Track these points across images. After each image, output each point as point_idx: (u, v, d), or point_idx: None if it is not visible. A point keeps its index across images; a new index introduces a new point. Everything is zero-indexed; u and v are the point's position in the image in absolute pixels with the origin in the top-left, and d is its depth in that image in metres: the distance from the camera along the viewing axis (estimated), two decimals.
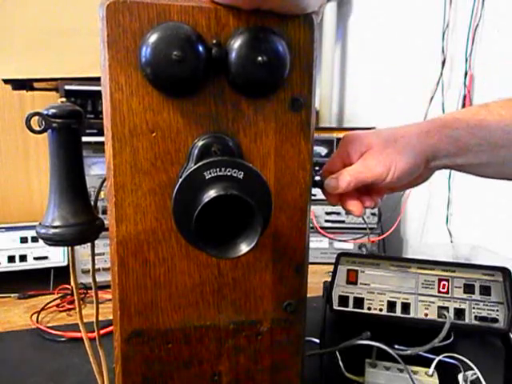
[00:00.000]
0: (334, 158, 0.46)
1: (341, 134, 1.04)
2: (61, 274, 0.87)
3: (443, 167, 0.45)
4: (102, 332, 0.60)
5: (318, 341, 0.63)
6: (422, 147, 0.43)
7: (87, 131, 0.82)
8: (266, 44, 0.33)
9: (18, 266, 0.87)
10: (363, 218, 1.05)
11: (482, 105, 0.46)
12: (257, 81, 0.34)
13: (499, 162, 0.44)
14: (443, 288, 0.64)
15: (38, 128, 0.37)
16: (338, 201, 0.45)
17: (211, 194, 0.29)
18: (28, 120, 0.36)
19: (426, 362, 0.57)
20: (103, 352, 0.45)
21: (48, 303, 0.80)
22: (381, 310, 0.65)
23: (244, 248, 0.30)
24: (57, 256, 0.89)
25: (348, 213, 0.46)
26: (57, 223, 0.37)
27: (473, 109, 0.49)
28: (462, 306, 0.63)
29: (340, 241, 1.06)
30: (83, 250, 0.84)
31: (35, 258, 0.88)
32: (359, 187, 0.44)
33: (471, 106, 0.89)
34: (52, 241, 0.37)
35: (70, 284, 0.85)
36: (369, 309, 0.65)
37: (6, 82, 0.84)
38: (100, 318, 0.44)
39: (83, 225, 0.38)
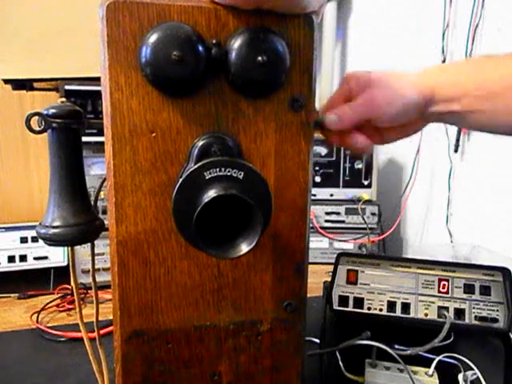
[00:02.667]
0: (335, 95, 0.45)
1: None
2: (61, 274, 0.87)
3: (438, 116, 0.45)
4: (102, 332, 0.60)
5: (318, 341, 0.63)
6: (423, 87, 0.43)
7: (87, 131, 0.82)
8: (266, 44, 0.33)
9: (18, 265, 0.87)
10: (363, 218, 1.05)
11: (486, 55, 0.46)
12: (257, 81, 0.34)
13: (493, 110, 0.44)
14: (443, 288, 0.64)
15: (37, 128, 0.37)
16: (338, 140, 0.43)
17: (211, 194, 0.29)
18: (28, 120, 0.36)
19: (426, 362, 0.57)
20: (103, 352, 0.45)
21: (48, 303, 0.80)
22: (381, 309, 0.65)
23: (244, 248, 0.30)
24: (57, 256, 0.89)
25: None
26: (57, 223, 0.37)
27: (475, 57, 0.49)
28: (462, 306, 0.63)
29: (340, 241, 1.06)
30: (83, 250, 0.84)
31: (35, 258, 0.88)
32: (360, 125, 0.43)
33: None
34: (52, 241, 0.37)
35: (70, 284, 0.85)
36: (369, 309, 0.65)
37: (6, 81, 0.84)
38: (100, 318, 0.44)
39: (83, 225, 0.38)
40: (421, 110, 0.44)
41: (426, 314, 0.63)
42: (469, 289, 0.63)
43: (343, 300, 0.66)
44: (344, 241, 1.06)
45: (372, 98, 0.42)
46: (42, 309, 0.78)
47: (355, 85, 0.44)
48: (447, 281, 0.64)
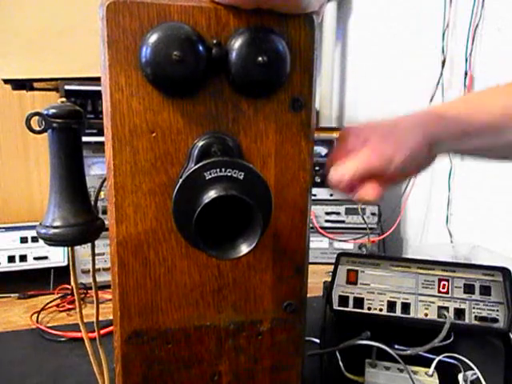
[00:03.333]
0: (336, 153, 0.45)
1: None
2: (61, 274, 0.87)
3: (447, 152, 0.45)
4: (102, 332, 0.60)
5: (318, 341, 0.63)
6: (425, 131, 0.42)
7: (87, 131, 0.82)
8: (267, 44, 0.33)
9: (18, 266, 0.87)
10: (363, 218, 1.05)
11: (484, 89, 0.46)
12: (257, 81, 0.34)
13: (502, 145, 0.44)
14: (443, 288, 0.64)
15: (37, 128, 0.37)
16: (348, 191, 0.43)
17: (211, 194, 0.29)
18: (28, 120, 0.36)
19: (426, 362, 0.57)
20: (103, 352, 0.45)
21: (48, 303, 0.80)
22: (381, 309, 0.65)
23: (244, 248, 0.30)
24: (57, 256, 0.89)
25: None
26: (57, 223, 0.37)
27: (474, 93, 0.49)
28: (462, 306, 0.63)
29: (340, 241, 1.06)
30: (83, 250, 0.84)
31: (35, 258, 0.88)
32: (365, 178, 0.42)
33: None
34: (52, 241, 0.37)
35: (70, 284, 0.85)
36: (369, 309, 0.65)
37: (6, 81, 0.84)
38: (100, 318, 0.44)
39: (83, 225, 0.38)
40: (426, 153, 0.43)
41: (426, 314, 0.63)
42: (469, 289, 0.63)
43: (343, 300, 0.66)
44: (344, 241, 1.06)
45: (377, 149, 0.42)
46: (42, 309, 0.78)
47: (355, 139, 0.44)
48: (447, 281, 0.64)
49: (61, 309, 0.79)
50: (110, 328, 0.57)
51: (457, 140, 0.43)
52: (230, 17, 0.34)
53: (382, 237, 1.06)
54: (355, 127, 0.45)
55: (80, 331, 0.43)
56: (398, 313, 0.64)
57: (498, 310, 0.62)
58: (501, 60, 0.87)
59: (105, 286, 0.76)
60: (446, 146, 0.44)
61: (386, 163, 0.41)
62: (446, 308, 0.63)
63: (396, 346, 0.60)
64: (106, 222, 0.38)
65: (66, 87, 0.82)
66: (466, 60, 0.93)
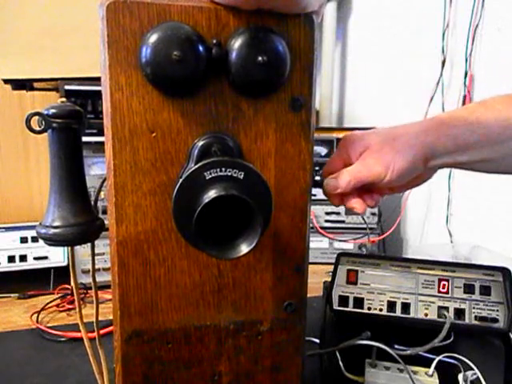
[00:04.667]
0: (334, 158, 0.46)
1: (341, 134, 1.04)
2: (61, 274, 0.87)
3: (444, 166, 0.45)
4: (102, 332, 0.60)
5: (318, 341, 0.63)
6: (421, 146, 0.43)
7: (87, 131, 0.82)
8: (266, 44, 0.33)
9: (18, 265, 0.87)
10: (363, 218, 1.05)
11: (480, 102, 0.46)
12: (257, 81, 0.34)
13: (500, 157, 0.44)
14: (443, 288, 0.64)
15: (37, 128, 0.37)
16: (339, 201, 0.45)
17: (211, 194, 0.29)
18: (28, 120, 0.36)
19: (426, 362, 0.57)
20: (103, 352, 0.44)
21: (48, 303, 0.80)
22: (381, 310, 0.65)
23: (244, 248, 0.30)
24: (57, 256, 0.89)
25: (349, 212, 0.47)
26: (57, 223, 0.37)
27: (470, 106, 0.49)
28: (462, 306, 0.63)
29: (340, 241, 1.06)
30: (83, 250, 0.84)
31: (35, 258, 0.88)
32: (359, 187, 0.44)
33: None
34: (52, 241, 0.37)
35: (70, 284, 0.85)
36: (369, 309, 0.65)
37: (6, 81, 0.84)
38: (100, 318, 0.44)
39: (83, 225, 0.38)
40: (424, 165, 0.44)
41: (426, 314, 0.63)
42: (469, 289, 0.63)
43: (343, 300, 0.66)
44: (344, 241, 1.06)
45: (368, 165, 0.43)
46: (42, 309, 0.78)
47: (352, 149, 0.45)
48: (447, 281, 0.64)
49: (61, 309, 0.79)
50: (110, 328, 0.57)
51: (455, 153, 0.43)
52: (229, 17, 0.34)
53: (381, 237, 1.06)
54: (358, 133, 0.45)
55: (80, 331, 0.43)
56: (398, 313, 0.64)
57: (498, 310, 0.62)
58: (501, 60, 0.87)
59: (105, 286, 0.76)
60: (444, 159, 0.44)
61: (379, 177, 0.42)
62: (446, 308, 0.63)
63: (396, 346, 0.60)
64: (106, 222, 0.38)
65: (66, 87, 0.82)
66: (466, 60, 0.93)
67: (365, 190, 0.45)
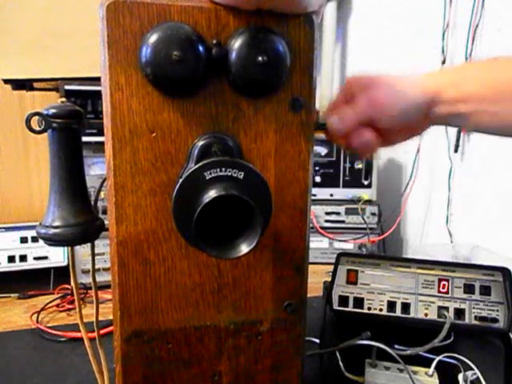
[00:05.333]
0: (337, 97, 0.45)
1: None
2: (61, 274, 0.87)
3: (443, 117, 0.44)
4: (102, 332, 0.60)
5: (318, 341, 0.63)
6: (426, 86, 0.42)
7: (87, 131, 0.82)
8: (266, 44, 0.33)
9: (18, 265, 0.87)
10: (363, 218, 1.05)
11: (488, 57, 0.45)
12: (257, 81, 0.34)
13: (501, 112, 0.43)
14: (443, 288, 0.64)
15: (38, 128, 0.37)
16: (344, 141, 0.43)
17: (211, 194, 0.29)
18: (28, 120, 0.36)
19: (426, 362, 0.57)
20: (103, 352, 0.44)
21: (48, 303, 0.80)
22: (381, 310, 0.65)
23: (244, 248, 0.30)
24: (57, 256, 0.89)
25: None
26: (57, 223, 0.37)
27: (478, 60, 0.48)
28: (462, 306, 0.63)
29: (340, 241, 1.06)
30: (83, 250, 0.84)
31: (35, 258, 0.88)
32: (363, 125, 0.42)
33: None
34: (52, 241, 0.37)
35: (70, 284, 0.85)
36: (369, 309, 0.65)
37: (6, 81, 0.84)
38: (100, 318, 0.44)
39: (83, 225, 0.38)
40: (424, 111, 0.43)
41: (426, 314, 0.64)
42: (469, 289, 0.63)
43: (343, 300, 0.66)
44: (344, 241, 1.06)
45: (373, 98, 0.42)
46: (42, 309, 0.78)
47: (357, 86, 0.43)
48: (447, 281, 0.64)
49: (61, 309, 0.79)
50: (110, 328, 0.57)
51: (459, 102, 0.42)
52: (229, 17, 0.34)
53: (381, 237, 1.06)
54: (359, 76, 0.45)
55: (80, 331, 0.43)
56: (398, 313, 0.64)
57: (498, 310, 0.62)
58: None
59: (105, 286, 0.76)
60: (447, 107, 0.43)
61: (382, 109, 0.41)
62: (446, 308, 0.63)
63: (396, 346, 0.60)
64: (106, 222, 0.38)
65: (66, 87, 0.82)
66: (466, 60, 0.93)
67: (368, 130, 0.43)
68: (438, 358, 0.58)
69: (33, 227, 0.86)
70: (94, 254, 0.43)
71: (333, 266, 0.67)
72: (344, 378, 0.57)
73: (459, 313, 0.63)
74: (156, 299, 0.38)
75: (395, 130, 0.45)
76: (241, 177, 0.30)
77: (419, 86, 0.43)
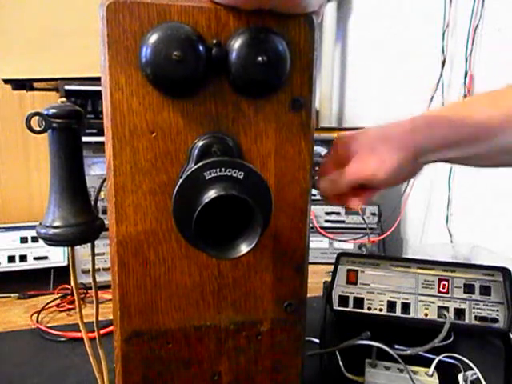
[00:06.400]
0: (327, 161, 0.48)
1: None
2: (61, 274, 0.87)
3: (434, 161, 0.46)
4: (102, 332, 0.60)
5: (318, 341, 0.63)
6: (410, 145, 0.44)
7: (87, 131, 0.82)
8: (266, 44, 0.33)
9: (18, 265, 0.87)
10: (363, 218, 1.05)
11: (464, 101, 0.47)
12: (257, 81, 0.34)
13: (487, 152, 0.44)
14: (443, 288, 0.64)
15: (38, 128, 0.37)
16: (336, 201, 0.47)
17: (211, 194, 0.29)
18: (28, 120, 0.36)
19: (426, 362, 0.57)
20: (103, 352, 0.45)
21: (48, 303, 0.80)
22: (381, 309, 0.65)
23: (244, 248, 0.30)
24: (57, 256, 0.89)
25: (349, 212, 0.49)
26: (57, 223, 0.37)
27: (454, 106, 0.49)
28: (462, 306, 0.63)
29: (340, 241, 1.06)
30: (83, 250, 0.84)
31: (35, 258, 0.88)
32: (354, 186, 0.45)
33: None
34: (52, 241, 0.37)
35: (70, 284, 0.85)
36: (369, 309, 0.65)
37: (6, 81, 0.84)
38: (100, 318, 0.44)
39: (83, 225, 0.38)
40: (413, 164, 0.45)
41: (426, 314, 0.63)
42: (469, 289, 0.63)
43: (343, 300, 0.66)
44: (344, 241, 1.06)
45: (362, 170, 0.44)
46: (42, 309, 0.78)
47: (345, 151, 0.46)
48: (447, 281, 0.64)
49: (61, 309, 0.79)
50: (110, 328, 0.57)
51: (444, 149, 0.44)
52: (229, 17, 0.34)
53: (381, 237, 1.06)
54: (348, 136, 0.47)
55: (80, 331, 0.43)
56: (398, 313, 0.64)
57: (497, 310, 0.62)
58: (501, 60, 0.87)
59: (105, 286, 0.76)
60: (434, 155, 0.45)
61: (371, 177, 0.44)
62: (446, 308, 0.63)
63: (396, 346, 0.60)
64: (106, 222, 0.38)
65: (66, 87, 0.82)
66: (466, 60, 0.93)
67: (359, 188, 0.46)
68: (438, 358, 0.58)
69: (33, 227, 0.86)
70: (94, 254, 0.43)
71: (333, 266, 0.67)
72: (344, 378, 0.57)
73: (459, 313, 0.63)
74: (156, 299, 0.38)
75: (385, 184, 0.47)
76: (241, 177, 0.30)
77: (406, 143, 0.44)
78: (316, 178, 0.47)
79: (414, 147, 0.44)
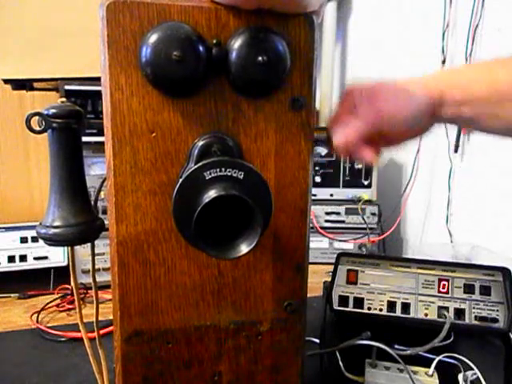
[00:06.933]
0: (339, 110, 0.45)
1: None
2: (61, 274, 0.87)
3: (449, 117, 0.44)
4: (102, 332, 0.60)
5: (318, 341, 0.63)
6: (430, 92, 0.42)
7: (87, 131, 0.82)
8: (266, 44, 0.33)
9: (18, 265, 0.87)
10: (363, 218, 1.05)
11: (493, 58, 0.45)
12: (257, 81, 0.34)
13: (507, 115, 0.43)
14: (443, 288, 0.64)
15: (38, 128, 0.37)
16: (347, 153, 0.43)
17: (211, 194, 0.29)
18: (28, 120, 0.36)
19: (426, 362, 0.57)
20: (103, 352, 0.44)
21: (48, 303, 0.80)
22: (381, 310, 0.65)
23: (244, 248, 0.30)
24: (57, 256, 0.89)
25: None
26: (57, 223, 0.37)
27: (483, 61, 0.48)
28: (462, 306, 0.63)
29: (340, 241, 1.06)
30: (83, 250, 0.84)
31: (35, 258, 0.88)
32: (368, 137, 0.42)
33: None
34: (52, 241, 0.37)
35: (70, 284, 0.85)
36: (369, 309, 0.65)
37: (6, 81, 0.84)
38: (100, 318, 0.44)
39: (83, 225, 0.38)
40: (430, 114, 0.43)
41: (426, 314, 0.63)
42: (469, 289, 0.63)
43: (343, 300, 0.66)
44: (344, 241, 1.06)
45: (380, 110, 0.41)
46: (42, 309, 0.78)
47: (358, 96, 0.43)
48: (447, 281, 0.64)
49: (61, 309, 0.79)
50: (110, 328, 0.57)
51: (462, 105, 0.42)
52: (230, 17, 0.34)
53: (382, 237, 1.06)
54: (361, 84, 0.44)
55: (80, 331, 0.43)
56: (398, 313, 0.64)
57: (498, 310, 0.62)
58: None
59: (105, 286, 0.76)
60: (451, 109, 0.43)
61: (389, 123, 0.41)
62: (446, 308, 0.63)
63: (396, 346, 0.60)
64: (106, 222, 0.38)
65: (66, 87, 0.82)
66: (466, 60, 0.93)
67: (370, 141, 0.43)
68: (438, 358, 0.58)
69: (33, 227, 0.86)
70: (94, 254, 0.43)
71: (333, 266, 0.67)
72: (344, 378, 0.57)
73: (459, 313, 0.63)
74: (156, 299, 0.38)
75: (399, 133, 0.44)
76: (241, 177, 0.30)
77: (424, 90, 0.42)
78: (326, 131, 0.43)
79: (434, 93, 0.42)
